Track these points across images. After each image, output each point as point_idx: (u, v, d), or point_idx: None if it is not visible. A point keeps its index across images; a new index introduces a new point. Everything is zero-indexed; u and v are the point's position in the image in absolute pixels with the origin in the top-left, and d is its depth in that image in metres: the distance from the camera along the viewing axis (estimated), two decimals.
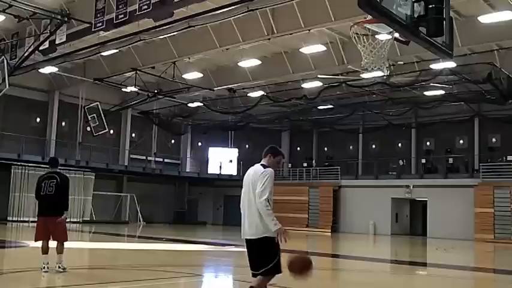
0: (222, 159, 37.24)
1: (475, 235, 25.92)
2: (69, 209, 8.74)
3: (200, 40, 21.19)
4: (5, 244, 15.66)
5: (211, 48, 21.43)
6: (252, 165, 5.55)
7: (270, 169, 5.30)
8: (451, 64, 20.67)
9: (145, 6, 14.85)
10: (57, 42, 18.50)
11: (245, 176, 5.52)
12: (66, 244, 8.50)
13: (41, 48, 19.32)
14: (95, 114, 27.66)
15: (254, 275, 5.32)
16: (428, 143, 32.69)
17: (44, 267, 8.27)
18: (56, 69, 24.48)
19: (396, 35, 6.55)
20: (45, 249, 8.37)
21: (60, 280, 8.07)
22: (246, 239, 5.39)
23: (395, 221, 30.89)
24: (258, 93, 27.53)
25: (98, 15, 16.64)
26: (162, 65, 24.32)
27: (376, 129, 31.66)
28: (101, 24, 16.61)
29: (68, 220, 8.21)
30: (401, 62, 22.28)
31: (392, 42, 7.20)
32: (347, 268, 13.47)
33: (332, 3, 17.22)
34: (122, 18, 15.95)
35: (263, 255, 5.20)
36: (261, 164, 5.43)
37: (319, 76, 23.90)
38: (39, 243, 8.41)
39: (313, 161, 36.53)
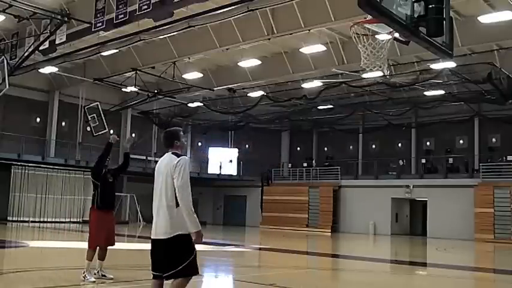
0: (222, 159, 37.24)
1: (475, 235, 25.92)
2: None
3: (200, 40, 21.19)
4: (5, 244, 15.65)
5: (211, 48, 21.43)
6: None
7: (185, 157, 4.82)
8: (451, 64, 20.66)
9: (145, 6, 14.85)
10: (57, 42, 18.49)
11: (156, 169, 4.96)
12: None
13: (41, 48, 19.31)
14: (94, 114, 27.60)
15: (157, 277, 4.76)
16: (428, 143, 32.70)
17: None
18: (56, 69, 24.47)
19: (396, 35, 6.54)
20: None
21: (60, 280, 8.06)
22: (153, 239, 4.78)
23: (396, 221, 30.90)
24: (258, 93, 27.52)
25: (98, 15, 16.65)
26: (162, 65, 24.31)
27: (376, 129, 31.66)
28: (101, 24, 16.61)
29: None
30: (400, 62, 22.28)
31: (392, 42, 7.19)
32: (347, 268, 13.47)
33: (332, 3, 17.21)
34: (122, 18, 15.96)
35: (175, 255, 4.63)
36: (173, 153, 4.89)
37: (323, 78, 23.85)
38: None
39: (313, 161, 36.53)
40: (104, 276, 8.06)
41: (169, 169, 4.74)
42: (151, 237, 4.83)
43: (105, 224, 8.24)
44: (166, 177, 4.75)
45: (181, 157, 4.80)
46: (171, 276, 4.67)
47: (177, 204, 4.68)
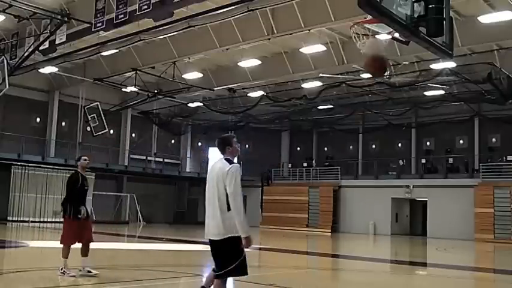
0: None
1: (475, 235, 25.92)
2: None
3: (200, 40, 21.18)
4: (5, 244, 15.65)
5: (211, 48, 21.42)
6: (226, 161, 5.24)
7: (236, 165, 5.13)
8: (451, 64, 20.67)
9: (145, 6, 14.86)
10: (57, 42, 18.50)
11: (208, 172, 5.27)
12: None
13: (41, 48, 19.32)
14: (94, 114, 27.66)
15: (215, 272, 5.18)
16: (428, 143, 32.70)
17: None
18: (56, 69, 24.47)
19: (396, 35, 6.54)
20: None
21: (60, 280, 8.06)
22: (209, 240, 5.16)
23: (396, 221, 30.90)
24: (258, 93, 27.52)
25: (98, 15, 16.65)
26: (162, 65, 24.31)
27: (376, 129, 31.66)
28: (101, 24, 16.62)
29: None
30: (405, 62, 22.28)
31: (392, 42, 7.18)
32: (347, 268, 13.47)
33: (332, 3, 17.21)
34: (122, 18, 15.96)
35: (226, 255, 4.99)
36: (225, 159, 5.22)
37: (321, 75, 23.80)
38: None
39: (313, 161, 36.53)
40: (89, 272, 8.05)
41: (221, 175, 5.04)
42: (206, 237, 5.15)
43: (80, 229, 8.21)
44: (218, 182, 5.05)
45: (232, 165, 5.10)
46: (222, 276, 5.02)
47: (229, 208, 4.97)
